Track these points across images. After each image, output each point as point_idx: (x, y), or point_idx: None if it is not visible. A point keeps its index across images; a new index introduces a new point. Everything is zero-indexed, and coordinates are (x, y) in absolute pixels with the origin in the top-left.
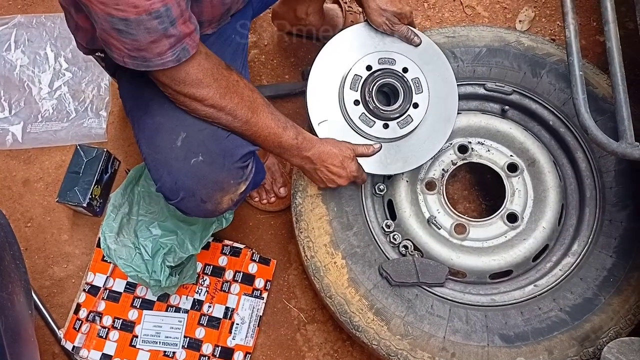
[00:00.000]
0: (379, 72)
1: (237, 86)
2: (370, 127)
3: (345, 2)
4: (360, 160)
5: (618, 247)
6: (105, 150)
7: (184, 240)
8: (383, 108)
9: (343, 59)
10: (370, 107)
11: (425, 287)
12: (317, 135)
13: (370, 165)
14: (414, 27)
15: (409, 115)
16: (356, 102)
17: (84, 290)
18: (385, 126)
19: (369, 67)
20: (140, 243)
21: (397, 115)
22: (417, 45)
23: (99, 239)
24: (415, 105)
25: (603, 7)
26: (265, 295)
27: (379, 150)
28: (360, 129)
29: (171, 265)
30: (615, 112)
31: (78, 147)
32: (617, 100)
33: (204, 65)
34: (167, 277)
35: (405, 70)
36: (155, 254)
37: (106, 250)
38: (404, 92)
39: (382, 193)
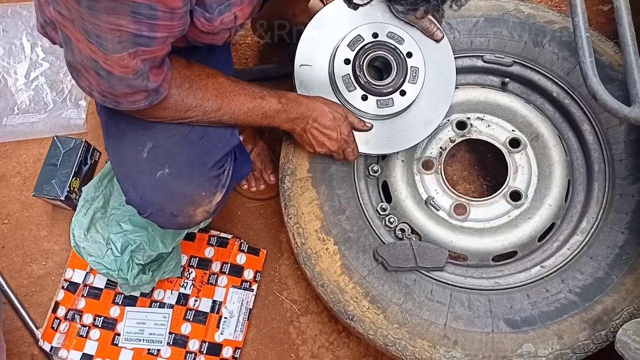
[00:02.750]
0: (370, 45)
1: (200, 80)
2: (364, 101)
3: None
4: None
5: (630, 223)
6: (83, 140)
7: (154, 238)
8: (375, 83)
9: (345, 20)
10: (362, 82)
11: (423, 271)
12: (295, 83)
13: (363, 145)
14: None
15: (403, 90)
16: (347, 77)
17: (63, 287)
18: (379, 102)
19: (375, 35)
20: (110, 239)
21: (391, 90)
22: (439, 40)
23: None
24: (411, 80)
25: None
26: (255, 287)
27: (370, 129)
28: (350, 103)
29: (140, 263)
30: (626, 75)
31: (55, 138)
32: (627, 63)
33: (170, 89)
34: (135, 275)
35: (400, 42)
36: (124, 250)
37: (76, 248)
38: (397, 66)
39: (376, 174)
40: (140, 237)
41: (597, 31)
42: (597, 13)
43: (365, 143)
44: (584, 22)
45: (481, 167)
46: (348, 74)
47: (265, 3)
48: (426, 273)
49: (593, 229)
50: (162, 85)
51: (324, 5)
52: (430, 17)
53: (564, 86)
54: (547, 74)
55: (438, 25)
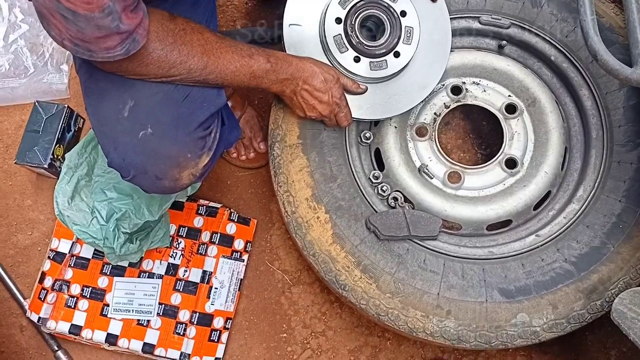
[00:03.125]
0: (362, 3)
1: (184, 35)
2: (356, 63)
3: None
4: None
5: (628, 191)
6: (66, 106)
7: (140, 205)
8: (368, 43)
9: None
10: (354, 42)
11: (416, 240)
12: (284, 44)
13: (355, 110)
14: None
15: (397, 51)
16: (338, 37)
17: (49, 257)
18: (372, 64)
19: None
20: (95, 207)
21: (384, 51)
22: (435, 0)
23: None
24: (405, 41)
25: None
26: (245, 257)
27: (364, 92)
28: (342, 65)
29: (126, 231)
30: (628, 34)
31: (36, 103)
32: (630, 21)
33: (152, 41)
34: (122, 245)
35: (394, 0)
36: (109, 219)
37: (60, 217)
38: (391, 25)
39: (368, 141)
40: (125, 204)
41: None
42: None
43: (358, 108)
44: None
45: (476, 135)
46: (339, 34)
47: None
48: (419, 242)
49: (590, 197)
50: (138, 32)
51: None
52: None
53: (562, 49)
54: (545, 37)
55: None
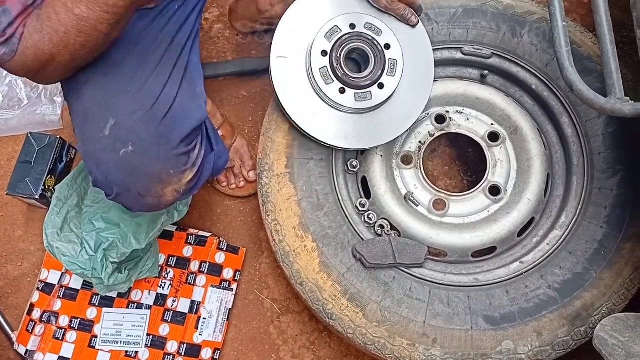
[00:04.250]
0: (347, 36)
1: (45, 7)
2: (341, 94)
3: None
4: (328, 134)
5: (609, 217)
6: (59, 137)
7: (126, 234)
8: (353, 75)
9: (322, 10)
10: (339, 74)
11: (403, 268)
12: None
13: (341, 140)
14: (417, 8)
15: (381, 82)
16: (324, 69)
17: (38, 289)
18: (357, 95)
19: (352, 26)
20: (83, 238)
21: (369, 83)
22: (414, 26)
23: None
24: (389, 73)
25: None
26: (234, 286)
27: None
28: (327, 96)
29: (115, 261)
30: (603, 65)
31: (29, 135)
32: (603, 53)
33: (28, 34)
34: (110, 275)
35: (378, 33)
36: (98, 249)
37: (49, 249)
38: (375, 58)
39: (355, 170)
40: (112, 234)
41: (576, 22)
42: (578, 4)
43: (344, 137)
44: (561, 11)
45: (462, 162)
46: (325, 66)
47: None
48: (405, 270)
49: (572, 224)
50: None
51: None
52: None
53: (542, 78)
54: (525, 66)
55: (413, 11)
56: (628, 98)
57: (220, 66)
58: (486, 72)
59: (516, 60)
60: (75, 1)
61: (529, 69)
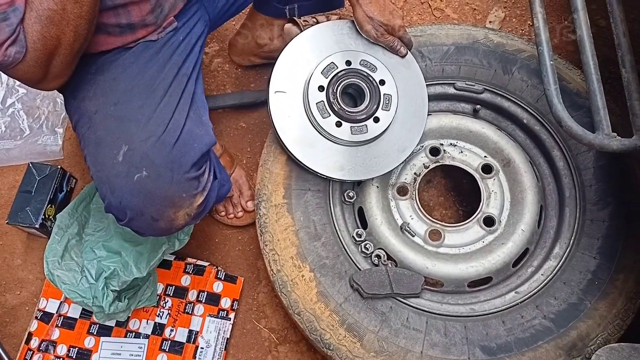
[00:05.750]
0: (343, 72)
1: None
2: (338, 127)
3: (301, 19)
4: (325, 165)
5: (601, 248)
6: (59, 167)
7: (127, 262)
8: (349, 109)
9: (319, 47)
10: (336, 108)
11: (399, 298)
12: (270, 110)
13: (337, 172)
14: (407, 42)
15: (377, 117)
16: (321, 104)
17: (36, 317)
18: (353, 129)
19: (348, 62)
20: (84, 266)
21: (364, 117)
22: (403, 57)
23: None
24: (384, 107)
25: None
26: (232, 315)
27: None
28: (324, 129)
29: (115, 289)
30: (590, 102)
31: (30, 164)
32: (590, 90)
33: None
34: (110, 303)
35: (373, 69)
36: (98, 277)
37: (49, 277)
38: (370, 93)
39: (351, 200)
40: (114, 263)
41: (565, 59)
42: (566, 42)
43: (340, 169)
44: (549, 51)
45: (457, 192)
46: (322, 101)
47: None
48: (402, 300)
49: (566, 255)
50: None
51: (300, 29)
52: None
53: (533, 113)
54: (517, 101)
55: (402, 43)
56: (615, 134)
57: (220, 99)
58: (478, 106)
59: (507, 96)
60: None
61: (520, 103)
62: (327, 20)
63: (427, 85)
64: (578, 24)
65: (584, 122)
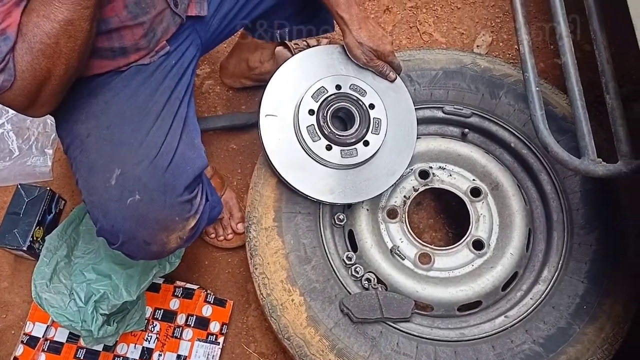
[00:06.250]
0: (333, 96)
1: (25, 26)
2: (328, 150)
3: (292, 42)
4: (315, 188)
5: (589, 272)
6: (48, 189)
7: (118, 286)
8: (339, 133)
9: (310, 71)
10: (326, 132)
11: (390, 323)
12: (260, 133)
13: (326, 195)
14: (396, 66)
15: (366, 140)
16: (311, 127)
17: (22, 342)
18: (343, 152)
19: (338, 87)
20: (73, 289)
21: (354, 140)
22: (392, 81)
23: None
24: (373, 131)
25: (556, 22)
26: (221, 339)
27: None
28: (314, 152)
29: (105, 313)
30: (575, 128)
31: (19, 186)
32: (576, 116)
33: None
34: (99, 327)
35: (362, 94)
36: (88, 300)
37: (37, 299)
38: (360, 117)
39: (342, 223)
40: (104, 286)
41: (551, 84)
42: (553, 66)
43: (330, 192)
44: (534, 77)
45: (447, 215)
46: (312, 125)
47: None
48: (392, 324)
49: (554, 278)
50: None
51: (291, 52)
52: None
53: (520, 137)
54: (504, 125)
55: (391, 68)
56: (601, 160)
57: (211, 120)
58: (467, 130)
59: (495, 120)
60: (54, 9)
61: (508, 127)
62: (318, 44)
63: (416, 109)
64: (563, 51)
65: (570, 147)
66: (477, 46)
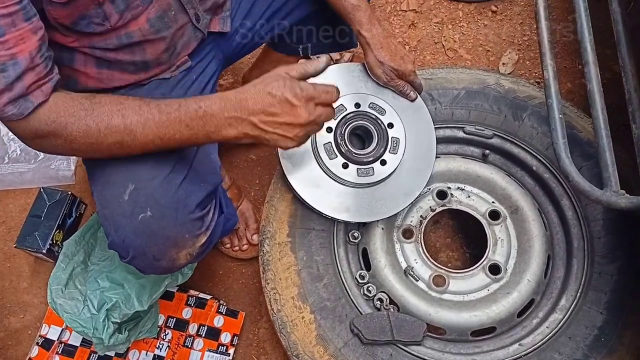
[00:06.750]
0: (352, 115)
1: (100, 105)
2: (344, 169)
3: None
4: (330, 206)
5: (609, 303)
6: (69, 193)
7: (130, 295)
8: (356, 152)
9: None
10: (343, 150)
11: (400, 345)
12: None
13: (342, 213)
14: (417, 86)
15: (384, 159)
16: (328, 145)
17: (37, 343)
18: (359, 171)
19: (357, 105)
20: (87, 296)
21: (371, 159)
22: (412, 101)
23: None
24: (391, 150)
25: (582, 48)
26: (231, 351)
27: (324, 67)
28: (331, 170)
29: (116, 321)
30: (598, 158)
31: (41, 189)
32: (599, 146)
33: (56, 108)
34: (110, 335)
35: (382, 112)
36: (100, 308)
37: (52, 305)
38: (378, 136)
39: (356, 241)
40: (116, 294)
41: (577, 107)
42: (580, 86)
43: (345, 210)
44: (558, 104)
45: (464, 234)
46: (330, 142)
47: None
48: (403, 347)
49: (572, 307)
50: (32, 92)
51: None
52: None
53: (543, 160)
54: (526, 148)
55: (412, 87)
56: (624, 191)
57: None
58: (487, 151)
59: (517, 142)
60: (130, 116)
61: (530, 150)
62: (341, 58)
63: (436, 128)
64: (588, 77)
65: (593, 173)
66: (503, 64)
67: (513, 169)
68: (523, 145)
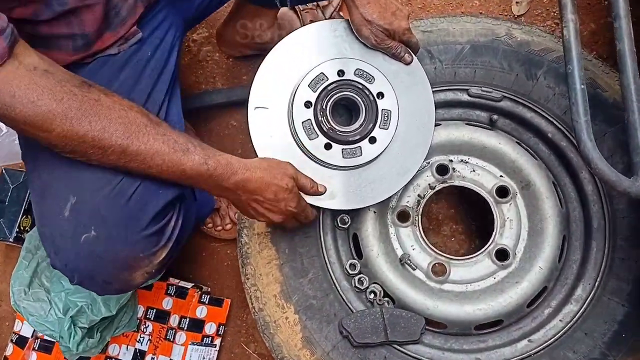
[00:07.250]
0: (334, 85)
1: (99, 106)
2: (327, 150)
3: (301, 7)
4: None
5: (632, 294)
6: None
7: (96, 300)
8: (340, 129)
9: (307, 55)
10: (325, 128)
11: (396, 345)
12: (250, 129)
13: (327, 201)
14: (413, 46)
15: (373, 136)
16: (307, 123)
17: (12, 341)
18: (344, 152)
19: (340, 72)
20: (52, 298)
21: (358, 137)
22: (408, 64)
23: None
24: (382, 125)
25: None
26: (217, 341)
27: (323, 193)
28: (311, 152)
29: (84, 327)
30: (628, 138)
31: (4, 171)
32: (629, 123)
33: (32, 82)
34: (79, 342)
35: (370, 80)
36: (65, 314)
37: (16, 307)
38: (366, 109)
39: (346, 226)
40: (82, 298)
41: (600, 59)
42: (605, 27)
43: (330, 198)
44: (580, 72)
45: (468, 217)
46: (309, 119)
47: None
48: (399, 347)
49: (589, 298)
50: None
51: (297, 16)
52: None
53: (560, 126)
54: (541, 112)
55: (407, 48)
56: None
57: (206, 97)
58: (496, 116)
59: (530, 105)
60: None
61: (545, 115)
62: (329, 4)
63: (436, 90)
64: (619, 35)
65: (619, 142)
66: (517, 2)
67: (525, 137)
68: (537, 109)
